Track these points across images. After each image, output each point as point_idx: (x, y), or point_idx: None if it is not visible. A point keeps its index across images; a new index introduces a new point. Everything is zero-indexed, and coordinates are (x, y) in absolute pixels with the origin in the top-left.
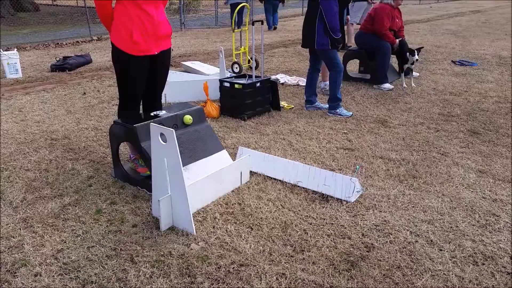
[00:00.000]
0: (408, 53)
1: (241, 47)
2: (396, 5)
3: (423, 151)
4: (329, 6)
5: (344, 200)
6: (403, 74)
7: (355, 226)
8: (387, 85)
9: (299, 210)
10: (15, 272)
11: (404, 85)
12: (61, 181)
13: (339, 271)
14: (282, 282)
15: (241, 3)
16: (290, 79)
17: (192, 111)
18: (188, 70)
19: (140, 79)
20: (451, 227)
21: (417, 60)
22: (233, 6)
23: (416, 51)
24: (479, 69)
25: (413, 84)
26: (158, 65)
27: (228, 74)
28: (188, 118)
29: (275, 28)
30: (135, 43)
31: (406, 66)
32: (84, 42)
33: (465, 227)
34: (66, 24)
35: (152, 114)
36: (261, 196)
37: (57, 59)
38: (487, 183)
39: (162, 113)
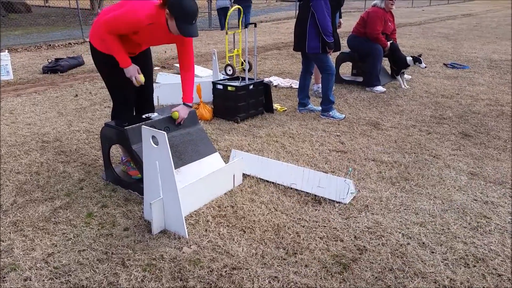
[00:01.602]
0: (412, 60)
1: (234, 49)
2: (388, 9)
3: (415, 153)
4: (320, 6)
5: (337, 202)
6: (399, 77)
7: (348, 229)
8: (379, 88)
9: (291, 213)
10: (4, 277)
11: (404, 86)
12: (52, 184)
13: (331, 273)
14: (275, 285)
15: (229, 6)
16: (283, 82)
17: None
18: None
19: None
20: (443, 230)
21: (425, 67)
22: (221, 11)
23: (421, 59)
24: (470, 72)
25: (404, 85)
26: (140, 61)
27: (221, 76)
28: (176, 114)
29: (246, 27)
30: None
31: (404, 70)
32: (77, 44)
33: (456, 229)
34: (58, 25)
35: (144, 116)
36: (254, 199)
37: (49, 61)
38: (479, 185)
39: (154, 115)
